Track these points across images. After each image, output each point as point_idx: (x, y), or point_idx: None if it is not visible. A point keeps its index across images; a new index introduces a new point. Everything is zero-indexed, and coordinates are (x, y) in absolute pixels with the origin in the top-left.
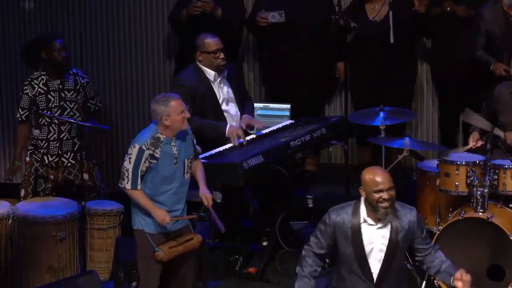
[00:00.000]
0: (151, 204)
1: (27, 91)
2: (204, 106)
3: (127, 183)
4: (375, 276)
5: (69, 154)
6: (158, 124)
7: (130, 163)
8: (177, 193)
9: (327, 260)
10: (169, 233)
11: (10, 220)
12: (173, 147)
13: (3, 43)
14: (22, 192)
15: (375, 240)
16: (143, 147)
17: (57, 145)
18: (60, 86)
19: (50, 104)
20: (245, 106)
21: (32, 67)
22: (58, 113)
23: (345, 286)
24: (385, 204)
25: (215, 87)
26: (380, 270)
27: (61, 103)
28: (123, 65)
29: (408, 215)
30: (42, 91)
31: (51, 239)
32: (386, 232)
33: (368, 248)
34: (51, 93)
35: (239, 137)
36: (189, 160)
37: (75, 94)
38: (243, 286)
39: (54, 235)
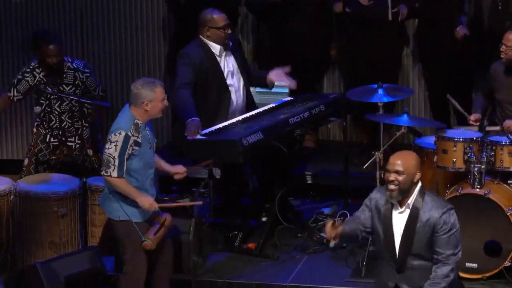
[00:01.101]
0: (136, 192)
1: (28, 78)
2: (208, 80)
3: (113, 171)
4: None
5: (73, 138)
6: (136, 108)
7: (116, 150)
8: (152, 178)
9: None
10: (149, 219)
11: (12, 196)
12: (147, 131)
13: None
14: (26, 161)
15: (397, 224)
16: (129, 133)
17: (60, 132)
18: (59, 81)
19: (49, 96)
20: (254, 71)
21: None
22: (57, 104)
23: (380, 272)
24: (390, 186)
25: (221, 61)
26: (399, 255)
27: (59, 95)
28: (122, 42)
29: (434, 210)
30: (42, 82)
31: (52, 215)
32: (404, 218)
33: (394, 231)
34: (50, 85)
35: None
36: (155, 143)
37: (73, 88)
38: (243, 262)
39: (55, 211)
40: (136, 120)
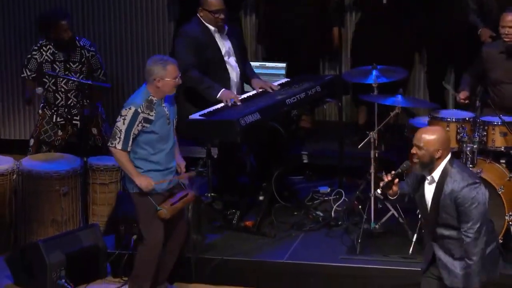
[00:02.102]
0: (134, 170)
1: (36, 56)
2: (207, 57)
3: (118, 143)
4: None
5: (78, 116)
6: (149, 84)
7: (124, 124)
8: (170, 152)
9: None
10: (165, 192)
11: (15, 175)
12: (164, 107)
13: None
14: (31, 142)
15: (428, 195)
16: (139, 109)
17: (65, 110)
18: (66, 58)
19: (56, 73)
20: (247, 67)
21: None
22: (63, 82)
23: (424, 239)
24: (413, 159)
25: (218, 40)
26: (430, 224)
27: (66, 73)
28: (125, 24)
29: (457, 184)
30: (49, 60)
31: (54, 193)
32: (432, 190)
33: (427, 201)
34: (57, 63)
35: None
36: (176, 120)
37: (80, 66)
38: (240, 239)
39: (57, 190)
40: (150, 97)
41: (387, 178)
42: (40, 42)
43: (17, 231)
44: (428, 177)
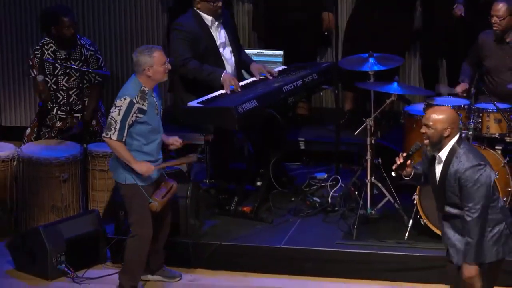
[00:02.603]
0: (133, 158)
1: (38, 55)
2: (203, 49)
3: (113, 133)
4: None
5: (79, 113)
6: (140, 75)
7: (119, 114)
8: (159, 143)
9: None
10: (153, 183)
11: (15, 162)
12: (154, 98)
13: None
14: (28, 131)
15: (436, 174)
16: (134, 100)
17: (67, 108)
18: (67, 56)
19: (56, 72)
20: (242, 54)
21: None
22: (64, 80)
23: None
24: (424, 139)
25: (213, 31)
26: (439, 203)
27: (67, 71)
28: (121, 17)
29: (461, 165)
30: (50, 58)
31: (54, 179)
32: (440, 169)
33: (436, 180)
34: (58, 61)
35: (232, 85)
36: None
37: (80, 64)
38: (238, 225)
39: (57, 176)
40: (142, 87)
41: (400, 160)
42: (42, 41)
43: (18, 217)
44: (437, 156)
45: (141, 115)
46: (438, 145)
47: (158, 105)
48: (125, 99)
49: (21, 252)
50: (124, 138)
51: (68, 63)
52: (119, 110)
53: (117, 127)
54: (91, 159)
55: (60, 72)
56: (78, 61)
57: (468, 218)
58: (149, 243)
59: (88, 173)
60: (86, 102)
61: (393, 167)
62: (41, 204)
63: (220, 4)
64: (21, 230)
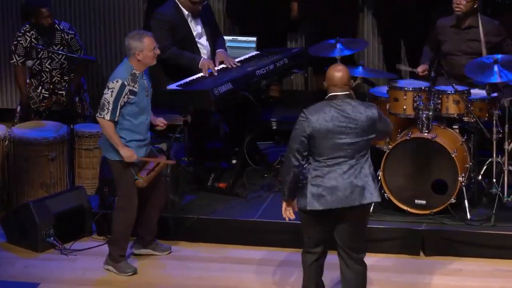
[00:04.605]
0: (120, 141)
1: (22, 41)
2: (180, 38)
3: (106, 114)
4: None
5: (62, 91)
6: (131, 58)
7: (112, 96)
8: (148, 123)
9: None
10: (140, 162)
11: (7, 142)
12: (144, 81)
13: None
14: (18, 108)
15: None
16: (125, 82)
17: (50, 86)
18: (48, 41)
19: (40, 55)
20: (217, 41)
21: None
22: (47, 62)
23: None
24: None
25: (190, 22)
26: None
27: (50, 55)
28: (103, 3)
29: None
30: (34, 43)
31: (43, 158)
32: None
33: None
34: (41, 46)
35: (209, 69)
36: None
37: (61, 48)
38: (215, 199)
39: (46, 155)
40: (134, 71)
41: None
42: (24, 28)
43: (10, 193)
44: None
45: (132, 96)
46: None
47: (148, 87)
48: (117, 81)
49: (13, 226)
50: (116, 118)
51: (51, 48)
52: (112, 92)
53: (110, 107)
54: (77, 139)
55: (43, 55)
56: (59, 45)
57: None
58: (134, 217)
59: (74, 152)
60: (71, 76)
61: None
62: (31, 181)
63: (200, 7)
64: (13, 206)
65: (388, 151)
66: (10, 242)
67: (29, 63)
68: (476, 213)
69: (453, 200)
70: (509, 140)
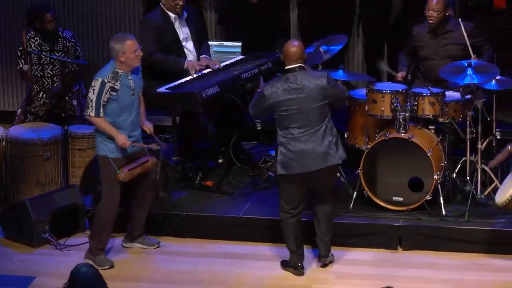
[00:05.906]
0: (113, 129)
1: (27, 47)
2: (167, 42)
3: (91, 111)
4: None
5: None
6: (115, 59)
7: (94, 94)
8: (134, 121)
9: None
10: (128, 156)
11: (4, 142)
12: (130, 80)
13: None
14: (19, 111)
15: None
16: (105, 80)
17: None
18: (51, 48)
19: (42, 61)
20: (202, 46)
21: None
22: (49, 68)
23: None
24: None
25: (176, 27)
26: None
27: (51, 61)
28: (98, 5)
29: None
30: (36, 50)
31: (39, 158)
32: None
33: None
34: (43, 52)
35: (196, 70)
36: (141, 92)
37: (62, 54)
38: (202, 197)
39: (41, 155)
40: (116, 69)
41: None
42: (28, 34)
43: (7, 191)
44: None
45: (114, 93)
46: None
47: (136, 87)
48: (97, 80)
49: (10, 222)
50: (101, 114)
51: (52, 54)
52: (93, 89)
53: (93, 105)
54: (71, 139)
55: (45, 61)
56: (60, 52)
57: None
58: (115, 212)
59: (68, 152)
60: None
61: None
62: (27, 180)
63: (180, 3)
64: (10, 203)
65: (367, 150)
66: (7, 238)
67: (26, 67)
68: (451, 210)
69: (429, 197)
70: (482, 140)
